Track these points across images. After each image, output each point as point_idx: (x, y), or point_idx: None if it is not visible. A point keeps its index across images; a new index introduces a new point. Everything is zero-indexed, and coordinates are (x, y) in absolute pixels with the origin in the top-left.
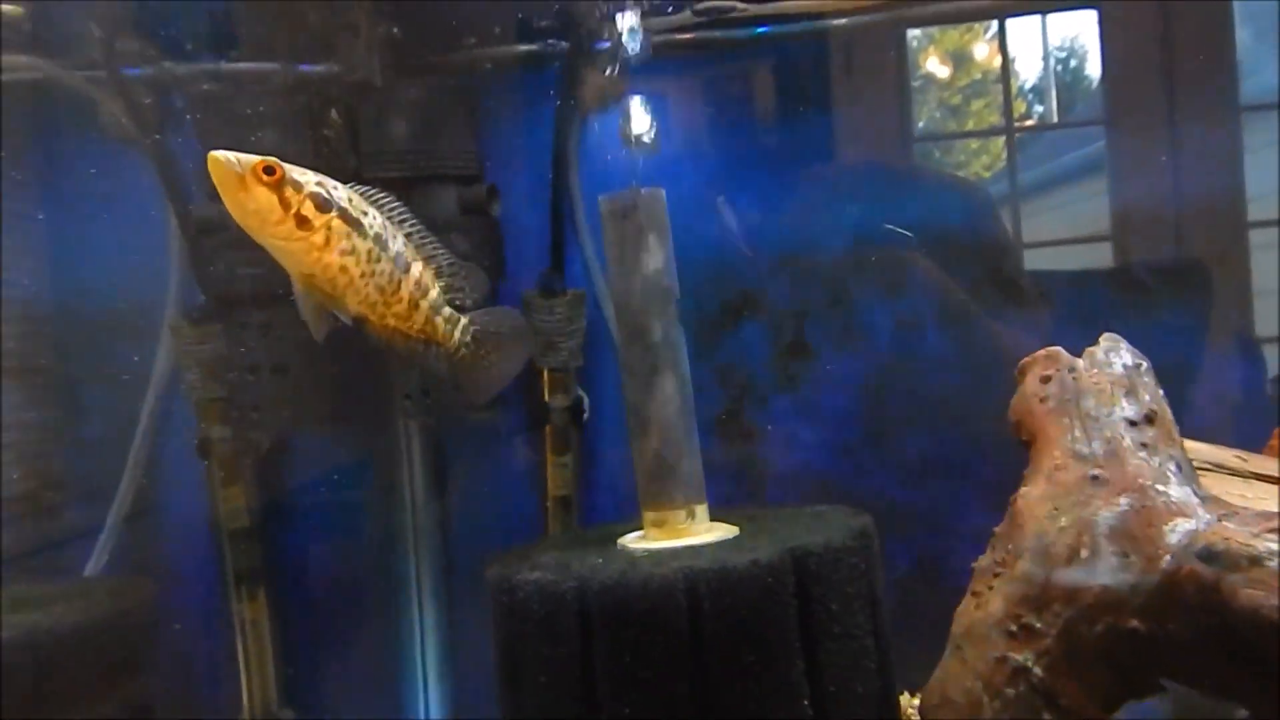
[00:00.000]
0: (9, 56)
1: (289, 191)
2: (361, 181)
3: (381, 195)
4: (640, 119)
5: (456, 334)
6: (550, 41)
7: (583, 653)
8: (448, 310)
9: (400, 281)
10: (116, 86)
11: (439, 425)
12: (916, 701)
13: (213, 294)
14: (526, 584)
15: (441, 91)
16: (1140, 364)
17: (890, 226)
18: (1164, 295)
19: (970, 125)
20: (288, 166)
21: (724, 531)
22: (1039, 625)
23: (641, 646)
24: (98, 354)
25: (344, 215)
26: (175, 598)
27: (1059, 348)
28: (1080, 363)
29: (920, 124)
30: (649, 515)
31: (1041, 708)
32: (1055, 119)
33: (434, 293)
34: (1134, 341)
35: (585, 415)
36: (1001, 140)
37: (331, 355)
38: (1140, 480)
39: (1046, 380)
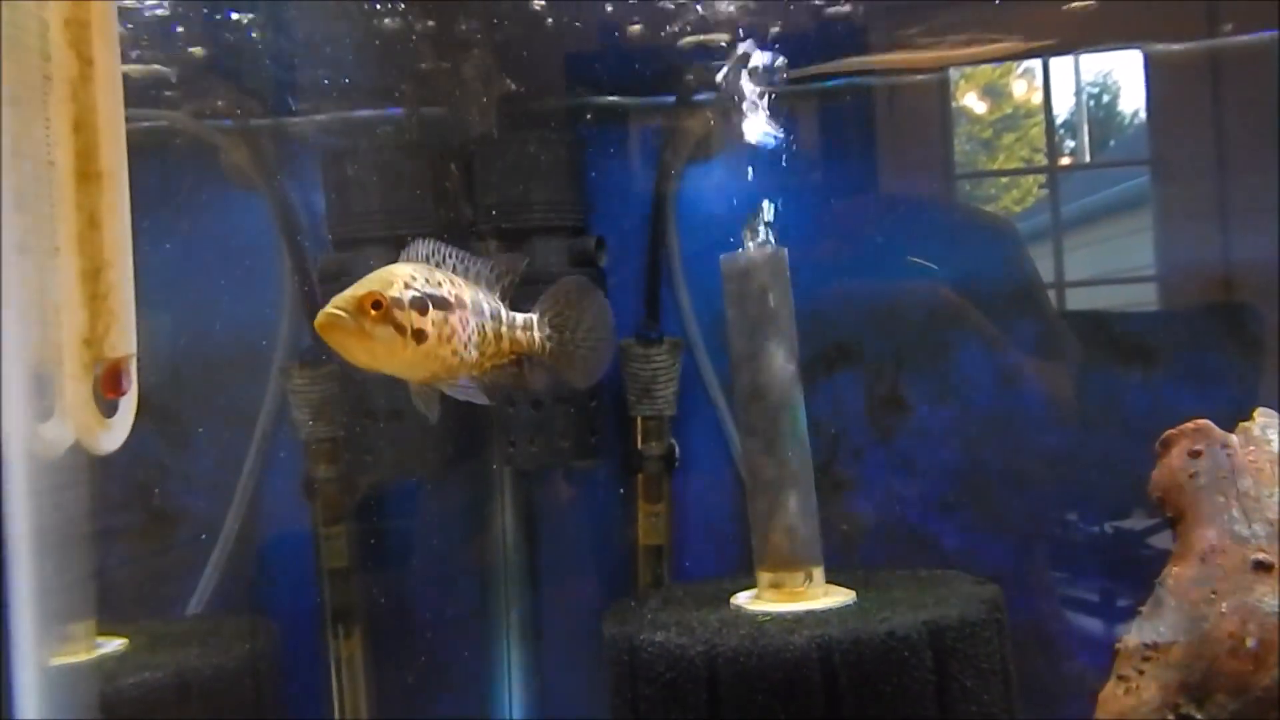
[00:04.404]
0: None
1: (398, 313)
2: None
3: (423, 244)
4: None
5: (536, 334)
6: (653, 94)
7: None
8: (519, 318)
9: (484, 327)
10: (240, 134)
11: (534, 471)
12: None
13: None
14: (651, 645)
15: (551, 143)
16: None
17: (914, 259)
18: (1215, 339)
19: (1001, 160)
20: (375, 282)
21: (842, 596)
22: (1200, 717)
23: (773, 717)
24: (209, 392)
25: (437, 303)
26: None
27: (1208, 421)
28: (1234, 439)
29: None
30: (765, 576)
31: None
32: (1087, 158)
33: (502, 311)
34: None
35: (676, 464)
36: (1032, 178)
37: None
38: None
39: (1196, 455)
